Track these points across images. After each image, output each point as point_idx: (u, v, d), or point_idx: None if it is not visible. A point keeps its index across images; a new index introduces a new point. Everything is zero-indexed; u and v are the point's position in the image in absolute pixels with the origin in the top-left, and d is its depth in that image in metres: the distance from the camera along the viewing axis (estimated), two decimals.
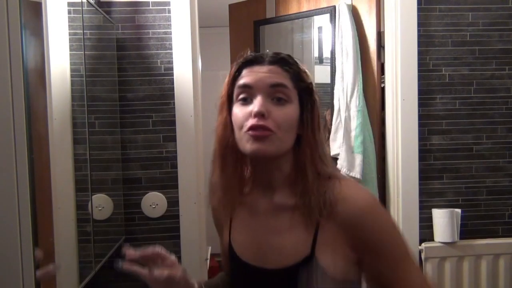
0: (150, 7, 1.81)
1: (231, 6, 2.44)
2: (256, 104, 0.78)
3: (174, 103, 1.82)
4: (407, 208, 1.86)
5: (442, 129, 1.88)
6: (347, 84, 1.95)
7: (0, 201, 0.66)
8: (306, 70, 0.86)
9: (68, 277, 1.41)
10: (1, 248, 0.70)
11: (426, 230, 1.87)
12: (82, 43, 1.53)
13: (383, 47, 1.96)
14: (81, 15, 1.52)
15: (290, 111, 0.81)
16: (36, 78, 1.14)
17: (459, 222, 1.86)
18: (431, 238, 1.87)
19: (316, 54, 2.19)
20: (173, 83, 1.82)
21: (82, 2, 1.51)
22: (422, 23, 1.85)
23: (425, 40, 1.85)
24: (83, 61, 1.53)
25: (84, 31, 1.54)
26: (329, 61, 2.08)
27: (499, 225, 1.91)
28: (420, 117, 1.86)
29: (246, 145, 0.79)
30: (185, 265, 1.84)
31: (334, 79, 2.02)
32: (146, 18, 1.81)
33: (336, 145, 1.99)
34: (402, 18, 1.83)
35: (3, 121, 0.65)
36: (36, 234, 0.91)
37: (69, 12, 1.50)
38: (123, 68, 1.81)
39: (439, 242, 1.84)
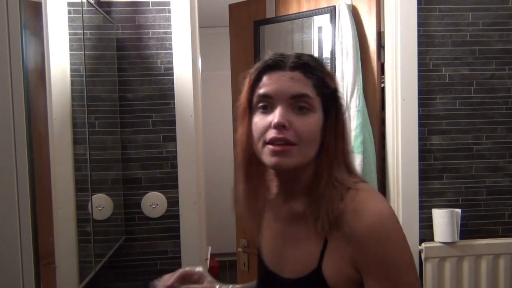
0: (150, 7, 1.81)
1: (231, 6, 2.44)
2: (277, 115, 0.74)
3: (174, 103, 1.82)
4: (407, 208, 1.86)
5: (442, 129, 1.88)
6: (347, 84, 1.95)
7: (0, 201, 0.66)
8: (331, 73, 0.82)
9: (68, 277, 1.41)
10: (1, 248, 0.70)
11: (426, 230, 1.87)
12: (82, 43, 1.53)
13: (383, 47, 1.96)
14: (81, 15, 1.52)
15: (313, 121, 0.76)
16: (36, 78, 1.14)
17: (459, 222, 1.86)
18: (431, 238, 1.87)
19: (316, 54, 2.19)
20: (173, 83, 1.82)
21: (82, 2, 1.51)
22: (422, 23, 1.85)
23: (425, 40, 1.85)
24: (83, 61, 1.53)
25: (84, 31, 1.54)
26: (329, 61, 2.08)
27: (499, 225, 1.91)
28: (420, 117, 1.86)
29: (267, 158, 0.76)
30: (185, 265, 1.84)
31: None
32: (146, 18, 1.81)
33: None
34: (402, 18, 1.83)
35: (3, 121, 0.65)
36: (36, 234, 0.91)
37: (69, 12, 1.50)
38: (123, 68, 1.81)
39: (439, 242, 1.84)
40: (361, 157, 1.91)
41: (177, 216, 1.84)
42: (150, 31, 1.81)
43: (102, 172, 1.74)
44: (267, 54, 0.81)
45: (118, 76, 1.81)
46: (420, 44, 1.84)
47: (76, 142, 1.51)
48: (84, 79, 1.54)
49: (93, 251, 1.55)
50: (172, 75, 1.82)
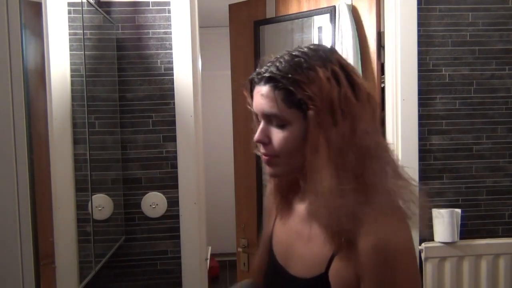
0: (150, 7, 1.81)
1: (231, 6, 2.44)
2: (257, 132, 0.79)
3: (174, 103, 1.82)
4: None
5: (442, 129, 1.88)
6: None
7: (0, 201, 0.66)
8: (315, 73, 0.73)
9: (68, 277, 1.41)
10: (1, 248, 0.70)
11: (426, 230, 1.87)
12: (82, 43, 1.53)
13: (383, 47, 1.96)
14: (81, 15, 1.52)
15: (289, 134, 0.75)
16: (36, 78, 1.14)
17: (459, 222, 1.86)
18: (431, 238, 1.87)
19: None
20: (173, 83, 1.82)
21: (82, 2, 1.51)
22: (422, 23, 1.85)
23: (425, 40, 1.85)
24: (83, 61, 1.54)
25: (84, 31, 1.54)
26: None
27: (499, 225, 1.91)
28: (420, 117, 1.86)
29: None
30: (185, 265, 1.84)
31: None
32: (146, 18, 1.81)
33: None
34: (402, 18, 1.83)
35: (3, 121, 0.65)
36: (36, 234, 0.91)
37: (69, 12, 1.50)
38: (123, 68, 1.81)
39: (439, 242, 1.84)
40: None
41: (177, 216, 1.84)
42: (150, 31, 1.81)
43: (102, 172, 1.74)
44: (261, 61, 0.81)
45: (118, 76, 1.81)
46: (420, 44, 1.84)
47: (76, 142, 1.51)
48: (84, 79, 1.54)
49: (93, 251, 1.55)
50: (172, 75, 1.82)
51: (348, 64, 0.78)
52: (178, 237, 1.83)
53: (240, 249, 2.40)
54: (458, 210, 1.86)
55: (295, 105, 0.74)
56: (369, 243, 0.69)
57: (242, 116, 2.27)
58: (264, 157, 0.80)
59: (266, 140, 0.78)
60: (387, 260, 0.69)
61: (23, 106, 0.67)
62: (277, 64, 0.76)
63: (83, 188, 1.54)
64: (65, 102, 1.47)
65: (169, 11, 1.81)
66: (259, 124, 0.81)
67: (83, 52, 1.53)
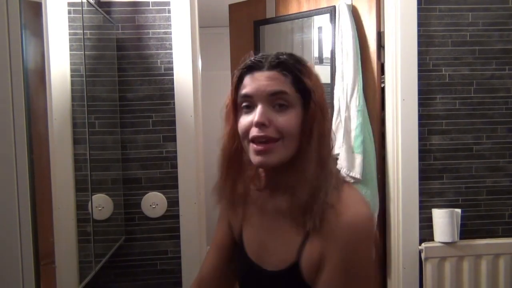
0: (150, 7, 1.81)
1: (231, 6, 2.44)
2: (257, 114, 0.79)
3: (174, 103, 1.82)
4: (407, 208, 1.86)
5: (442, 129, 1.88)
6: (347, 84, 1.95)
7: (0, 201, 0.66)
8: (311, 70, 0.83)
9: (68, 277, 1.41)
10: (1, 248, 0.70)
11: (426, 230, 1.87)
12: (82, 43, 1.53)
13: (383, 47, 1.96)
14: (81, 15, 1.52)
15: (292, 116, 0.79)
16: (36, 78, 1.14)
17: (459, 222, 1.86)
18: (431, 238, 1.87)
19: (316, 54, 2.19)
20: (173, 83, 1.82)
21: (82, 2, 1.51)
22: (422, 23, 1.85)
23: (425, 40, 1.85)
24: (83, 61, 1.54)
25: (84, 31, 1.54)
26: (329, 61, 2.08)
27: (499, 225, 1.91)
28: (420, 117, 1.86)
29: (252, 156, 0.81)
30: (185, 265, 1.84)
31: (334, 79, 2.02)
32: (146, 18, 1.81)
33: (336, 145, 1.99)
34: (402, 18, 1.83)
35: (3, 121, 0.65)
36: (36, 234, 0.91)
37: (69, 12, 1.50)
38: (123, 68, 1.81)
39: (439, 242, 1.84)
40: (361, 157, 1.91)
41: (177, 216, 1.84)
42: (150, 31, 1.81)
43: (102, 172, 1.74)
44: (249, 56, 0.84)
45: (118, 76, 1.81)
46: (420, 44, 1.84)
47: (76, 142, 1.51)
48: (84, 79, 1.54)
49: (93, 251, 1.55)
50: (172, 75, 1.82)
51: None
52: (178, 237, 1.84)
53: None
54: (458, 210, 1.86)
55: (300, 91, 0.80)
56: (343, 219, 0.75)
57: None
58: (259, 147, 0.78)
59: (267, 122, 0.78)
60: (358, 234, 0.75)
61: (23, 106, 0.67)
62: (283, 57, 0.81)
63: (83, 188, 1.54)
64: (65, 102, 1.47)
65: (169, 11, 1.81)
66: (237, 113, 0.84)
67: (83, 52, 1.53)
